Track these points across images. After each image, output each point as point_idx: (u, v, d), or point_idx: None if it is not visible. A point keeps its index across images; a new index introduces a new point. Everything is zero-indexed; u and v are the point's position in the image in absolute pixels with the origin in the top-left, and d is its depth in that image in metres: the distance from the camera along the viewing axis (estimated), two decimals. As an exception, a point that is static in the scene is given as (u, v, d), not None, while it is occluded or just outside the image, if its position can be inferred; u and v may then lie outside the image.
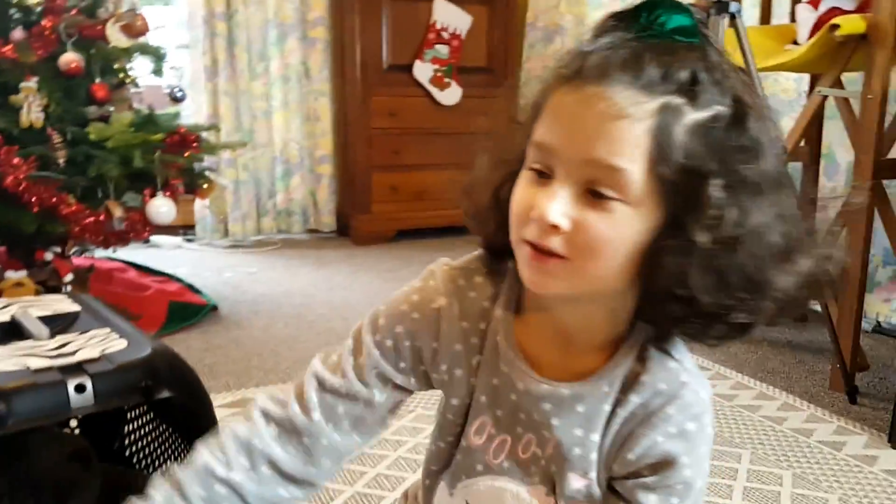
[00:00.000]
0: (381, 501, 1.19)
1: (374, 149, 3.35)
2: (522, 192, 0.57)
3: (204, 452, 0.66)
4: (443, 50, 3.37)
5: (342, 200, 3.65)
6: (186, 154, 2.04)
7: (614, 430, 0.60)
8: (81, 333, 1.01)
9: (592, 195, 0.53)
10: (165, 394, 0.89)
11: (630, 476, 0.61)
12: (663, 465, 0.59)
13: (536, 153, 0.56)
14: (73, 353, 0.92)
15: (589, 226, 0.53)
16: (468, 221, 0.67)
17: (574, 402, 0.61)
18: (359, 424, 0.67)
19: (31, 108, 1.82)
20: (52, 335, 1.00)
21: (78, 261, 2.27)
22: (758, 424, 1.54)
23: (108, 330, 1.03)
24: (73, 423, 1.25)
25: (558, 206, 0.53)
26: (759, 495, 1.23)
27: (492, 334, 0.64)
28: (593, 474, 0.61)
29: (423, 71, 3.33)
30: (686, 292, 0.53)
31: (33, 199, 1.75)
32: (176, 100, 2.28)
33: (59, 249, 2.11)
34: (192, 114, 3.17)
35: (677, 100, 0.52)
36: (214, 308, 2.36)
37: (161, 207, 1.98)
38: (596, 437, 0.61)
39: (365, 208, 3.42)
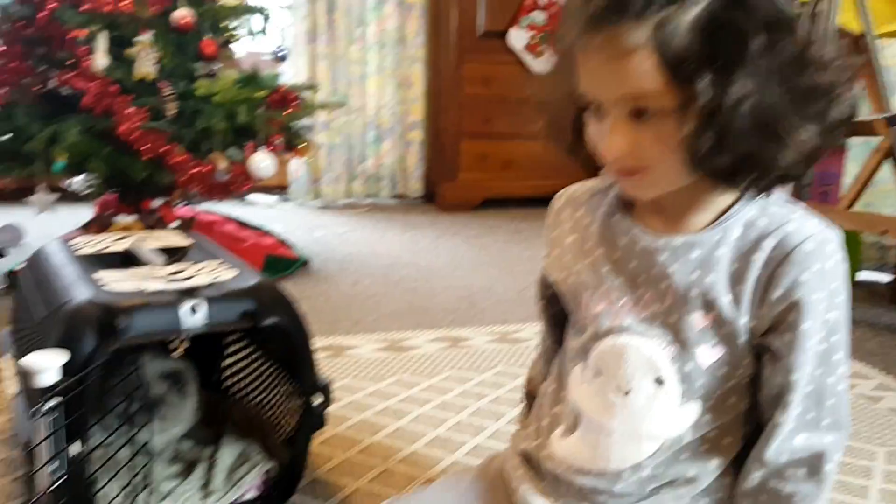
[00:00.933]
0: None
1: (465, 116, 3.37)
2: (592, 127, 0.66)
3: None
4: (539, 17, 3.34)
5: (430, 167, 3.69)
6: (287, 112, 2.11)
7: (753, 276, 0.65)
8: (193, 264, 1.08)
9: (637, 116, 0.61)
10: (271, 321, 0.94)
11: (774, 320, 0.65)
12: (801, 304, 0.64)
13: (585, 92, 0.64)
14: (187, 278, 0.99)
15: (645, 141, 0.62)
16: (549, 140, 0.75)
17: (688, 250, 0.67)
18: None
19: (145, 60, 1.92)
20: (166, 264, 1.07)
21: (182, 211, 2.40)
22: (853, 403, 1.48)
23: (218, 261, 1.09)
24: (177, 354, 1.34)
25: (615, 141, 0.63)
26: (849, 469, 1.20)
27: (606, 217, 0.73)
28: (715, 313, 0.66)
29: (518, 38, 3.31)
30: (747, 147, 0.60)
31: (145, 148, 1.85)
32: (279, 59, 2.36)
33: (165, 199, 2.24)
34: (290, 77, 3.27)
35: (666, 11, 0.57)
36: (306, 263, 2.45)
37: (262, 162, 2.06)
38: (712, 277, 0.66)
39: (452, 175, 3.45)
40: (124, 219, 2.07)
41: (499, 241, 2.91)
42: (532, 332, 1.80)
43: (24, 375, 0.89)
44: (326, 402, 1.01)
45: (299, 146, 2.33)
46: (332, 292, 2.16)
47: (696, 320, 0.66)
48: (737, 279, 0.65)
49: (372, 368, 1.57)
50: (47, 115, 1.89)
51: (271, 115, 2.06)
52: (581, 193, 0.78)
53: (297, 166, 3.41)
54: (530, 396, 0.90)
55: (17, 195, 2.29)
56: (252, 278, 1.00)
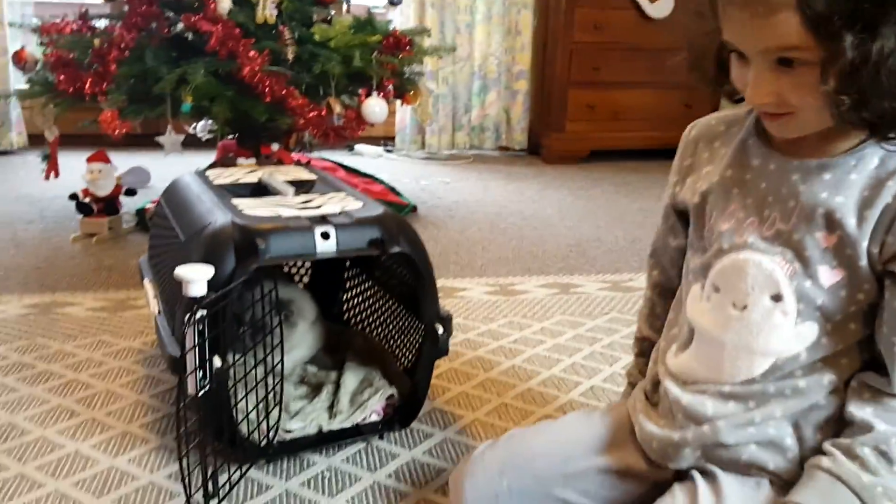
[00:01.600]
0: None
1: (574, 64, 3.28)
2: (735, 71, 0.67)
3: None
4: (657, -40, 3.19)
5: (536, 118, 3.63)
6: (400, 56, 2.12)
7: (884, 202, 0.65)
8: (321, 195, 1.11)
9: (782, 64, 0.62)
10: (397, 249, 0.96)
11: None
12: None
13: (728, 40, 0.65)
14: (317, 207, 1.02)
15: (788, 89, 0.63)
16: (691, 74, 0.76)
17: (821, 171, 0.68)
18: None
19: (267, 4, 1.96)
20: (296, 195, 1.11)
21: (297, 157, 2.46)
22: None
23: (343, 193, 1.12)
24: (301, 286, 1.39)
25: (759, 89, 0.64)
26: None
27: (740, 142, 0.75)
28: (839, 234, 0.66)
29: (633, -18, 3.19)
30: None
31: (266, 90, 1.91)
32: (393, 3, 2.36)
33: (282, 144, 2.30)
34: (399, 24, 3.27)
35: None
36: (414, 209, 2.48)
37: (375, 107, 2.08)
38: (841, 199, 0.66)
39: (559, 126, 3.39)
40: (244, 161, 2.14)
41: (607, 193, 2.85)
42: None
43: (173, 293, 0.94)
44: (448, 331, 1.02)
45: (410, 92, 2.34)
46: (440, 237, 2.18)
47: (820, 240, 0.67)
48: (866, 203, 0.65)
49: (483, 310, 1.58)
50: (174, 58, 1.96)
51: (385, 59, 2.07)
52: (716, 124, 0.80)
53: (401, 119, 3.48)
54: (642, 346, 0.94)
55: (143, 140, 2.41)
56: (378, 209, 1.02)
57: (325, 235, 0.93)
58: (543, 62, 3.51)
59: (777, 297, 0.68)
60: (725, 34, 0.65)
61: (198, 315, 0.76)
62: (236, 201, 1.03)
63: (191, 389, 0.78)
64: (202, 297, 0.78)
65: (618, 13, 3.21)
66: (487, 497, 0.79)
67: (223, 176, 1.22)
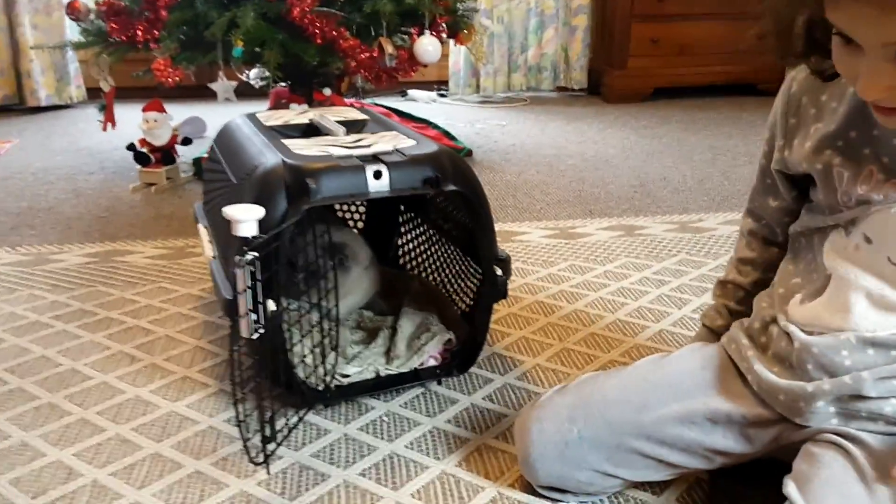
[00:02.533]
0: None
1: (637, -4, 3.12)
2: (839, 60, 0.58)
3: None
4: None
5: (596, 55, 3.49)
6: (453, -9, 2.03)
7: None
8: (373, 134, 1.06)
9: None
10: (452, 187, 0.91)
11: None
12: None
13: (836, 23, 0.55)
14: (369, 146, 0.97)
15: None
16: (770, 46, 0.65)
17: None
18: None
19: (316, -58, 1.90)
20: (347, 134, 1.06)
21: (350, 103, 2.42)
22: None
23: (395, 132, 1.07)
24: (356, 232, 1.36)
25: (874, 83, 0.55)
26: None
27: (857, 97, 0.66)
28: None
29: None
30: None
31: (316, 31, 1.85)
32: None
33: (335, 90, 2.26)
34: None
35: None
36: (469, 153, 2.42)
37: (428, 46, 2.01)
38: None
39: (621, 63, 3.24)
40: (297, 107, 2.11)
41: (673, 131, 2.72)
42: (716, 222, 1.68)
43: (227, 237, 0.92)
44: (507, 273, 0.98)
45: (463, 31, 2.25)
46: (497, 181, 2.12)
47: None
48: None
49: (543, 253, 1.53)
50: (224, 3, 1.93)
51: (437, -5, 1.99)
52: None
53: (454, 63, 3.38)
54: (725, 289, 0.89)
55: (198, 91, 2.40)
56: (432, 146, 0.97)
57: (378, 174, 0.89)
58: (604, -4, 3.35)
59: None
60: (833, 17, 0.55)
61: (249, 256, 0.73)
62: (287, 142, 1.00)
63: (244, 332, 0.76)
64: (253, 238, 0.75)
65: (684, -61, 3.03)
66: (556, 444, 0.75)
67: (274, 118, 1.18)
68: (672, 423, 0.73)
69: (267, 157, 0.93)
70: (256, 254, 0.74)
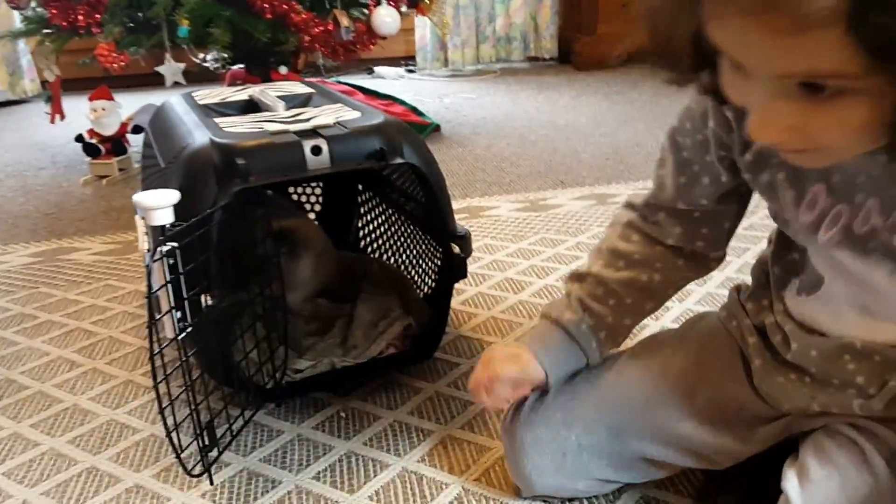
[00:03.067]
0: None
1: (604, -40, 3.04)
2: (728, 82, 0.46)
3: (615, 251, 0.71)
4: None
5: (565, 23, 3.40)
6: (410, -42, 1.94)
7: None
8: (315, 108, 0.98)
9: (805, 89, 0.41)
10: (399, 160, 0.83)
11: None
12: None
13: (722, 48, 0.43)
14: (308, 119, 0.89)
15: (818, 123, 0.42)
16: (654, 61, 0.50)
17: None
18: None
19: (260, -89, 1.79)
20: (287, 109, 0.98)
21: (312, 82, 2.33)
22: None
23: (340, 105, 0.99)
24: (312, 216, 1.28)
25: (769, 123, 0.43)
26: None
27: None
28: None
29: None
30: None
31: (266, 6, 1.76)
32: None
33: (292, 68, 2.17)
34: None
35: None
36: (437, 128, 2.34)
37: (386, 17, 1.93)
38: None
39: (591, 29, 3.16)
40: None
41: (645, 96, 2.65)
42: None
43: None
44: (467, 251, 0.90)
45: (424, 2, 2.17)
46: (465, 155, 2.04)
47: None
48: None
49: (512, 228, 1.46)
50: (167, -19, 1.83)
51: (393, -37, 1.90)
52: None
53: (421, 37, 3.29)
54: (594, 286, 0.71)
55: (151, 79, 2.30)
56: (378, 117, 0.89)
57: (316, 149, 0.81)
58: (570, -40, 3.26)
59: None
60: (716, 37, 0.42)
61: (166, 247, 0.65)
62: (219, 120, 0.92)
63: (168, 332, 0.68)
64: (171, 226, 0.68)
65: None
66: (552, 454, 0.68)
67: (211, 96, 1.10)
68: (678, 424, 0.65)
69: (195, 136, 0.85)
70: (175, 244, 0.66)
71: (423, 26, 3.35)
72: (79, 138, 1.96)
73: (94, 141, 1.94)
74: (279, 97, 1.03)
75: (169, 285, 0.66)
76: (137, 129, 2.04)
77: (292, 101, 1.03)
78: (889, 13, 0.36)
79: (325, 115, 0.91)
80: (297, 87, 1.13)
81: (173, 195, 0.67)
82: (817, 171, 0.54)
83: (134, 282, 1.29)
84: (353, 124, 0.86)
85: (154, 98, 2.64)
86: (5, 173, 2.08)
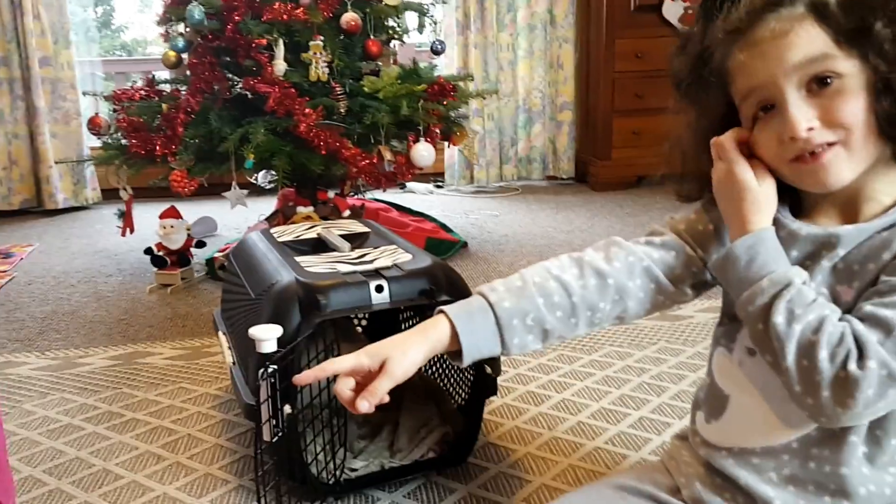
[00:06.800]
0: (647, 443, 1.27)
1: (617, 93, 3.34)
2: (764, 133, 0.68)
3: (541, 263, 0.79)
4: (693, -13, 3.24)
5: (581, 147, 3.69)
6: (445, 102, 2.22)
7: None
8: (374, 248, 1.20)
9: (816, 86, 0.64)
10: (444, 297, 1.04)
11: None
12: None
13: (753, 99, 0.68)
14: (371, 261, 1.11)
15: (830, 107, 0.64)
16: (678, 189, 0.83)
17: (857, 236, 0.66)
18: (670, 273, 0.79)
19: (319, 63, 2.10)
20: (351, 249, 1.20)
21: (351, 200, 2.58)
22: None
23: (394, 246, 1.21)
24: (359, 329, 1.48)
25: (800, 116, 0.64)
26: None
27: None
28: (858, 283, 0.66)
29: (672, 9, 3.24)
30: None
31: (321, 144, 2.03)
32: (436, 52, 2.47)
33: (338, 190, 2.43)
34: (444, 66, 3.39)
35: None
36: (465, 245, 2.57)
37: (423, 151, 2.18)
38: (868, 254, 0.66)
39: (605, 154, 3.44)
40: (303, 209, 2.27)
41: (655, 219, 2.86)
42: (693, 310, 1.80)
43: (246, 346, 1.04)
44: (497, 371, 1.09)
45: (455, 134, 2.44)
46: (490, 272, 2.26)
47: (843, 294, 0.66)
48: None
49: (534, 344, 1.64)
50: (236, 118, 2.11)
51: (431, 106, 2.17)
52: None
53: (449, 157, 3.58)
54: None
55: (209, 190, 2.57)
56: (426, 260, 1.11)
57: (380, 288, 1.02)
58: (587, 93, 3.58)
59: None
60: (744, 82, 0.67)
61: (269, 370, 0.85)
62: (299, 259, 1.13)
63: (266, 436, 0.87)
64: (273, 353, 0.88)
65: (658, 41, 3.26)
66: None
67: (286, 233, 1.32)
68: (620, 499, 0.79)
69: (282, 274, 1.07)
70: (276, 367, 0.86)
71: (452, 148, 3.66)
72: (148, 251, 2.21)
73: (161, 253, 2.18)
74: (343, 235, 1.26)
75: (269, 399, 0.86)
76: (200, 244, 2.28)
77: (353, 240, 1.25)
78: (841, 5, 0.62)
79: (384, 258, 1.12)
80: (356, 227, 1.35)
81: (278, 329, 0.88)
82: None
83: (204, 385, 1.48)
84: (407, 266, 1.07)
85: (210, 209, 2.92)
86: (77, 279, 2.32)
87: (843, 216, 0.69)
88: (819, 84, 0.64)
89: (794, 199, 0.73)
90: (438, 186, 3.75)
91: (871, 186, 0.68)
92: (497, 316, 0.74)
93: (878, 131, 0.65)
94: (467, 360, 0.74)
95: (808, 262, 0.69)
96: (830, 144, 0.64)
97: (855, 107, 0.63)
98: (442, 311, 0.75)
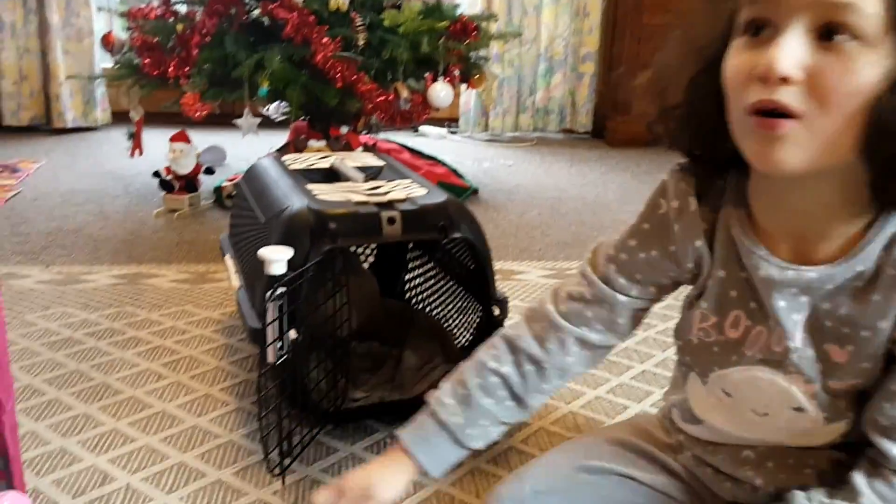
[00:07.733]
0: (626, 409, 1.26)
1: (643, 47, 3.27)
2: (738, 57, 0.54)
3: (480, 350, 0.78)
4: (729, -58, 3.14)
5: (601, 101, 3.62)
6: (467, 42, 2.16)
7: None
8: (388, 181, 1.18)
9: (823, 38, 0.49)
10: (457, 234, 1.02)
11: None
12: None
13: (751, 6, 0.53)
14: (384, 193, 1.09)
15: (824, 71, 0.49)
16: (656, 127, 0.67)
17: (824, 282, 0.59)
18: (608, 326, 0.75)
19: (340, -8, 2.04)
20: (365, 180, 1.18)
21: (364, 139, 2.55)
22: None
23: (409, 180, 1.18)
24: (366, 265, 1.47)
25: (789, 54, 0.49)
26: None
27: (724, 229, 0.65)
28: (853, 347, 0.60)
29: (704, -36, 3.15)
30: None
31: (337, 76, 1.99)
32: (460, -11, 2.39)
33: (351, 127, 2.39)
34: (467, 6, 3.31)
35: None
36: (475, 191, 2.54)
37: (441, 92, 2.14)
38: (849, 309, 0.59)
39: (625, 109, 3.38)
40: (315, 143, 2.23)
41: (670, 179, 2.84)
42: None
43: (254, 269, 1.03)
44: (504, 314, 1.08)
45: (474, 77, 2.39)
46: (500, 220, 2.23)
47: (834, 354, 0.61)
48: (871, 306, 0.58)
49: (540, 292, 1.63)
50: (252, 44, 2.06)
51: (453, 44, 2.12)
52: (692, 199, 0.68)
53: (465, 102, 3.53)
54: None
55: (220, 119, 2.53)
56: (441, 196, 1.08)
57: (391, 220, 1.00)
58: (612, 44, 3.50)
59: (800, 409, 0.63)
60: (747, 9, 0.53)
61: (278, 292, 0.84)
62: (311, 186, 1.11)
63: (270, 358, 0.86)
64: (282, 276, 0.86)
65: (688, -4, 3.18)
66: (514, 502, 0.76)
67: (298, 161, 1.30)
68: (617, 455, 0.78)
69: (293, 200, 1.05)
70: (284, 289, 0.85)
71: (468, 92, 3.59)
72: (156, 174, 2.18)
73: (169, 178, 2.16)
74: (357, 167, 1.23)
75: (276, 322, 0.85)
76: (209, 171, 2.26)
77: (368, 172, 1.22)
78: None
79: (398, 190, 1.10)
80: (371, 159, 1.32)
81: (289, 251, 0.86)
82: (737, 297, 0.64)
83: (208, 309, 1.48)
84: (421, 201, 1.05)
85: (220, 139, 2.88)
86: (83, 198, 2.31)
87: (795, 252, 0.61)
88: (825, 37, 0.49)
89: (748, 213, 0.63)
90: (452, 132, 3.70)
91: (829, 220, 0.58)
92: (452, 432, 0.73)
93: (864, 143, 0.51)
94: (439, 474, 0.74)
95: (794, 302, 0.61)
96: (793, 117, 0.51)
97: (853, 85, 0.49)
98: (398, 443, 0.75)
